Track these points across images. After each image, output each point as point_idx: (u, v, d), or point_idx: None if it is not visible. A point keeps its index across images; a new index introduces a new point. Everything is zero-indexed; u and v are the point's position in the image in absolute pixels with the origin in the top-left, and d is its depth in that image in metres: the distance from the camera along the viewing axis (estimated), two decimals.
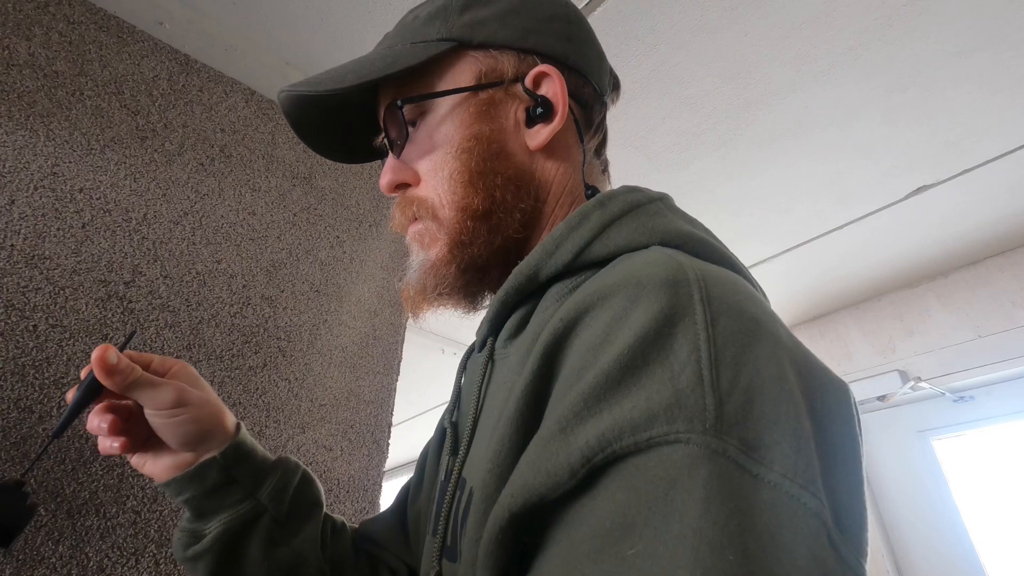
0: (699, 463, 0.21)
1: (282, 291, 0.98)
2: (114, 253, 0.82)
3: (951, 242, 1.70)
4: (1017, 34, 1.05)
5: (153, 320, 0.82)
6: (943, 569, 1.62)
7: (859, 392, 1.89)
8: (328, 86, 0.41)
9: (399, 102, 0.42)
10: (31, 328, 0.72)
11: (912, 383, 1.78)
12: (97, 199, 0.84)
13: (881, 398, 1.84)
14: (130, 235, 0.85)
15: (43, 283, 0.75)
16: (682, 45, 1.06)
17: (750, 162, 1.35)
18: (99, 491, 0.71)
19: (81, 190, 0.83)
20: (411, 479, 0.56)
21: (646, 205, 0.38)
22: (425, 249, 0.42)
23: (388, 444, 1.01)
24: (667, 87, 1.14)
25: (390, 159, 0.44)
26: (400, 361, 1.10)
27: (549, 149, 0.43)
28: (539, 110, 0.42)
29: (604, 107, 0.48)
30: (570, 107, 0.43)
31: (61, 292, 0.76)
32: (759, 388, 0.23)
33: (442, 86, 0.42)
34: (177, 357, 0.83)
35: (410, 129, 0.43)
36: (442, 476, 0.41)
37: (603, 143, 0.50)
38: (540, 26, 0.43)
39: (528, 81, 0.42)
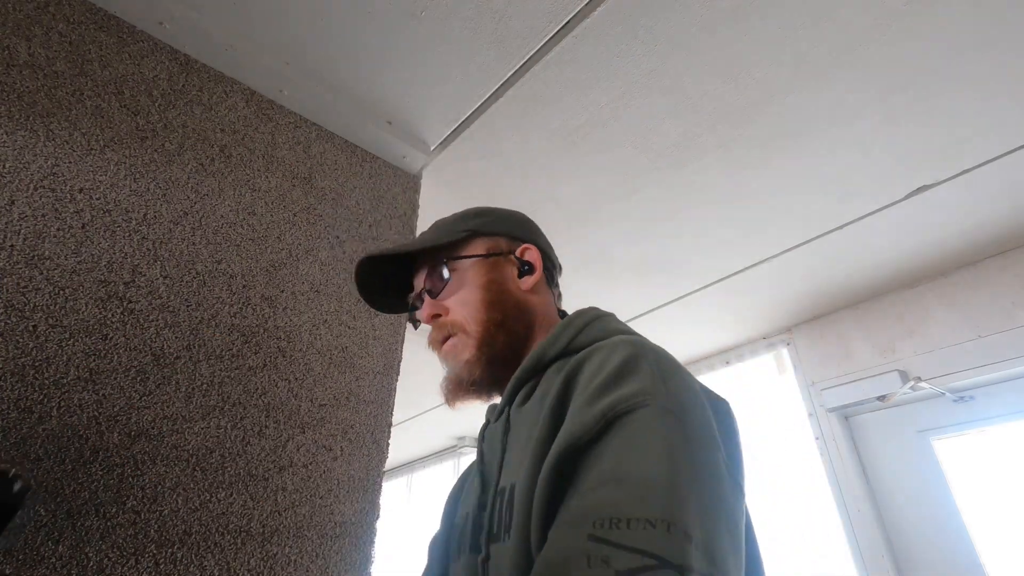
0: (657, 415, 0.42)
1: (282, 291, 0.98)
2: (114, 253, 0.82)
3: (951, 242, 1.70)
4: (1017, 34, 1.05)
5: (153, 320, 0.82)
6: (943, 569, 1.62)
7: (859, 392, 1.89)
8: (400, 249, 0.68)
9: (444, 259, 0.67)
10: (31, 328, 0.72)
11: (912, 383, 1.78)
12: (97, 199, 0.84)
13: (881, 398, 1.84)
14: (130, 235, 0.85)
15: (43, 283, 0.75)
16: (682, 45, 1.06)
17: (750, 162, 1.35)
18: (99, 491, 0.71)
19: (81, 190, 0.83)
20: (437, 534, 0.70)
21: (603, 316, 0.62)
22: (457, 356, 0.64)
23: (388, 444, 1.01)
24: (667, 87, 1.14)
25: (428, 301, 0.68)
26: (400, 361, 1.10)
27: (533, 291, 0.68)
28: (525, 267, 0.68)
29: (556, 270, 0.75)
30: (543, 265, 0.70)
31: (61, 292, 0.76)
32: (683, 388, 0.46)
33: (466, 254, 0.69)
34: (177, 357, 0.83)
35: (445, 279, 0.67)
36: (472, 503, 0.57)
37: (558, 288, 0.76)
38: (517, 226, 0.73)
39: (518, 252, 0.70)
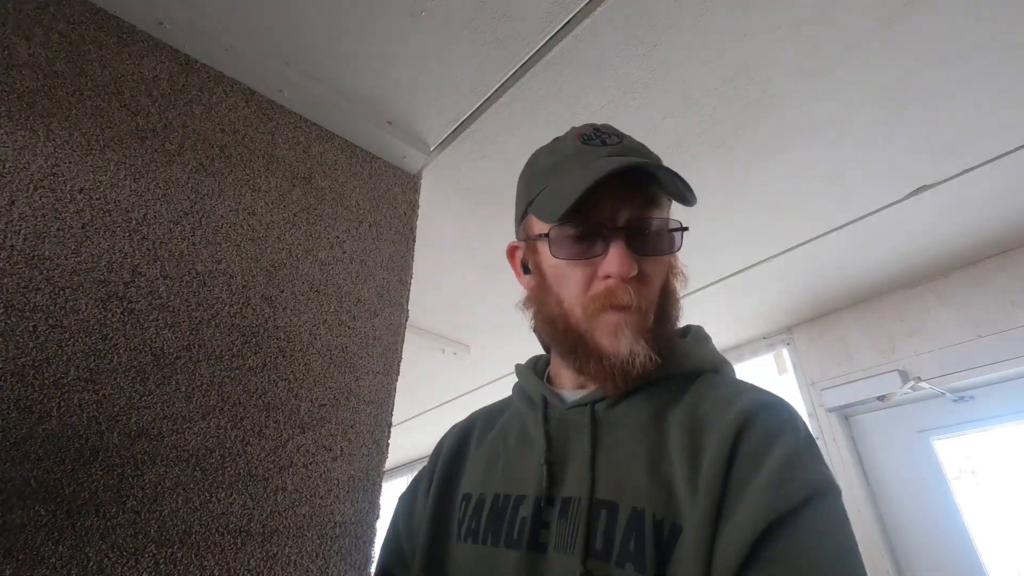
0: (839, 500, 0.44)
1: (282, 291, 0.98)
2: (114, 253, 0.82)
3: (951, 242, 1.70)
4: (1016, 34, 1.05)
5: (153, 320, 0.82)
6: (943, 569, 1.62)
7: (859, 392, 1.89)
8: (665, 172, 0.53)
9: (682, 227, 0.55)
10: (31, 328, 0.72)
11: (912, 383, 1.78)
12: (97, 199, 0.84)
13: (881, 398, 1.84)
14: (130, 235, 0.85)
15: (43, 283, 0.75)
16: (682, 45, 1.06)
17: (750, 162, 1.35)
18: (99, 491, 0.71)
19: (81, 190, 0.83)
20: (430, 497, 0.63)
21: (708, 343, 0.61)
22: (635, 337, 0.52)
23: (388, 444, 1.01)
24: (667, 87, 1.14)
25: (626, 251, 0.52)
26: (400, 361, 1.10)
27: None
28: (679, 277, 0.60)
29: None
30: None
31: (61, 292, 0.76)
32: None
33: (678, 220, 0.58)
34: (177, 357, 0.83)
35: (675, 246, 0.56)
36: (532, 493, 0.52)
37: None
38: None
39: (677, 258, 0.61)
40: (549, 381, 0.64)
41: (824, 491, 0.43)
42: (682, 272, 0.60)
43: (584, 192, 0.49)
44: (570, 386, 0.60)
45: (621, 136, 0.58)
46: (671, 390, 0.54)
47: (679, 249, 0.55)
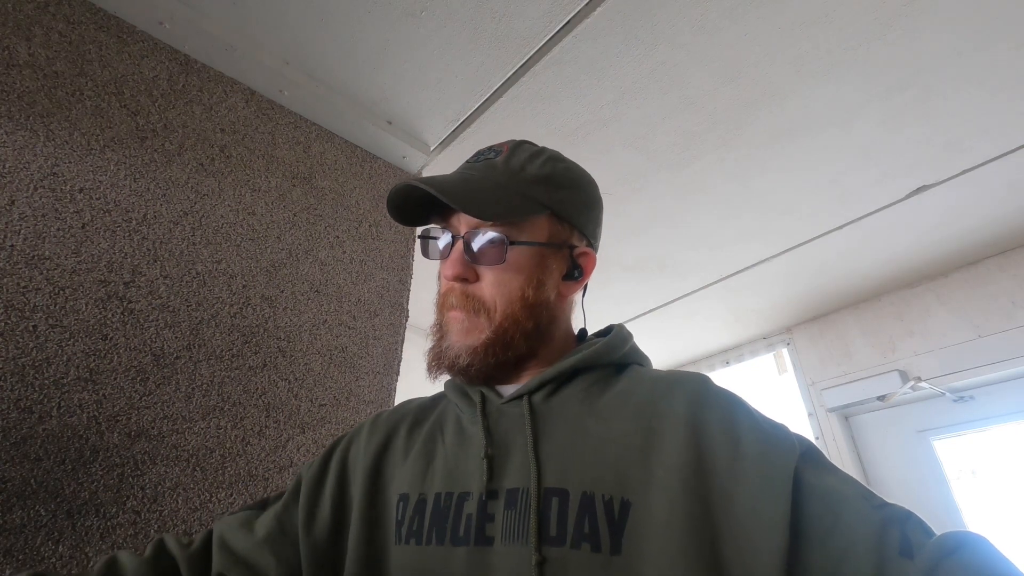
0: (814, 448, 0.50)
1: (282, 291, 0.98)
2: (114, 253, 0.82)
3: (951, 242, 1.70)
4: (1017, 34, 1.05)
5: (153, 320, 0.82)
6: None
7: (859, 392, 1.89)
8: (456, 203, 0.54)
9: (507, 240, 0.57)
10: (31, 328, 0.72)
11: (912, 383, 1.78)
12: (97, 199, 0.84)
13: (881, 398, 1.84)
14: (130, 235, 0.85)
15: (43, 283, 0.75)
16: (682, 45, 1.06)
17: (750, 162, 1.35)
18: (99, 491, 0.71)
19: (81, 190, 0.83)
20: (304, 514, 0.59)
21: (631, 339, 0.63)
22: (465, 336, 0.57)
23: None
24: (667, 87, 1.14)
25: (456, 255, 0.58)
26: (400, 361, 1.10)
27: (568, 300, 0.63)
28: (575, 272, 0.61)
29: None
30: None
31: (61, 292, 0.76)
32: None
33: (527, 234, 0.58)
34: (177, 357, 0.83)
35: (500, 252, 0.58)
36: (474, 497, 0.52)
37: None
38: (592, 216, 0.64)
39: (576, 252, 0.61)
40: None
41: (805, 449, 0.48)
42: (555, 287, 0.63)
43: (389, 202, 0.60)
44: (502, 381, 0.61)
45: (491, 155, 0.62)
46: (602, 379, 0.58)
47: (504, 263, 0.58)
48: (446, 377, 0.61)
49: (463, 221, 0.58)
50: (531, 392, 0.57)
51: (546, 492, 0.49)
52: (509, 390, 0.59)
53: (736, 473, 0.46)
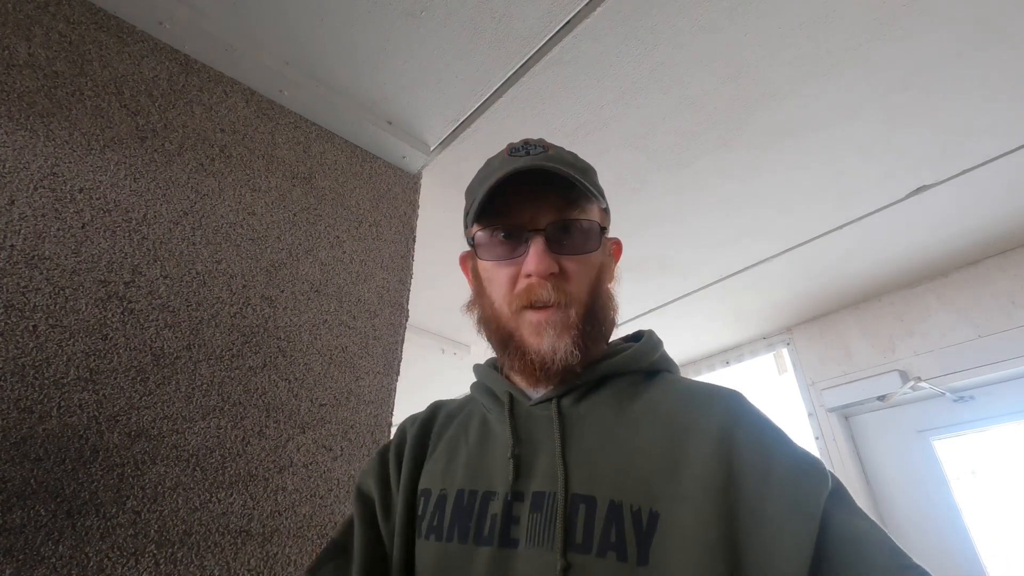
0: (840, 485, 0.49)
1: (282, 291, 0.98)
2: (114, 253, 0.82)
3: (951, 242, 1.70)
4: (1017, 34, 1.05)
5: (153, 320, 0.82)
6: (943, 569, 1.62)
7: (859, 392, 1.89)
8: (565, 173, 0.54)
9: (600, 225, 0.58)
10: (31, 328, 0.72)
11: (912, 383, 1.78)
12: (97, 199, 0.84)
13: (881, 398, 1.84)
14: (130, 235, 0.85)
15: (43, 283, 0.75)
16: (682, 45, 1.06)
17: (750, 162, 1.35)
18: (99, 491, 0.71)
19: (81, 190, 0.83)
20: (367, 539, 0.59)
21: (662, 346, 0.62)
22: (559, 335, 0.54)
23: None
24: (667, 87, 1.14)
25: (545, 250, 0.54)
26: (400, 361, 1.10)
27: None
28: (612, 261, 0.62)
29: None
30: None
31: (61, 292, 0.76)
32: None
33: (599, 221, 0.58)
34: (177, 357, 0.83)
35: (594, 242, 0.57)
36: (499, 497, 0.52)
37: None
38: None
39: (611, 242, 0.62)
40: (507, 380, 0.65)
41: (834, 486, 0.46)
42: (614, 276, 0.63)
43: (488, 192, 0.54)
44: (527, 384, 0.60)
45: (548, 147, 0.60)
46: (632, 385, 0.56)
47: (598, 248, 0.57)
48: (544, 389, 0.57)
49: (543, 213, 0.55)
50: (560, 396, 0.56)
51: (573, 498, 0.48)
52: (537, 392, 0.58)
53: (764, 493, 0.45)
